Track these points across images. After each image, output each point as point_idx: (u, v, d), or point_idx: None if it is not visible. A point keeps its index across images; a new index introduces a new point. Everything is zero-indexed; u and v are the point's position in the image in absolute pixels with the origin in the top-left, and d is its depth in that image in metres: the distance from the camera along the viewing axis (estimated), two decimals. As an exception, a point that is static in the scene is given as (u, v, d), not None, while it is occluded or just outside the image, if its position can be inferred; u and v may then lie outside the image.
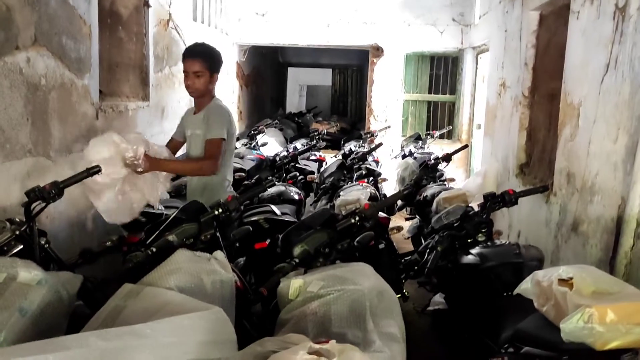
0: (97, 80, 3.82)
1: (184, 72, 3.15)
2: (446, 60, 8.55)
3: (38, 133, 3.12)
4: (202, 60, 3.12)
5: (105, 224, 3.04)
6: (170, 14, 5.45)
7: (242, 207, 2.50)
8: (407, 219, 5.79)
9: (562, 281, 1.64)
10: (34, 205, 2.28)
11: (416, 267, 3.39)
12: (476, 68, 7.93)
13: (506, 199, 2.81)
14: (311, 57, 13.74)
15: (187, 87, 3.16)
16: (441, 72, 8.60)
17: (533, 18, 4.74)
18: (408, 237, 5.02)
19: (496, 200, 2.82)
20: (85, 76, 3.65)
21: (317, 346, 1.33)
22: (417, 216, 4.97)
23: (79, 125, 3.59)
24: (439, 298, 3.19)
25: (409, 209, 5.88)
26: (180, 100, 5.98)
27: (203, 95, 3.21)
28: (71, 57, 3.45)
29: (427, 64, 8.60)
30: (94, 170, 2.35)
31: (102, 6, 4.02)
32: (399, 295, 3.30)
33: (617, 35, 2.97)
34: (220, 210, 2.45)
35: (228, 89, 8.49)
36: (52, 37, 3.22)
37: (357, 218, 2.42)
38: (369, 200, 3.61)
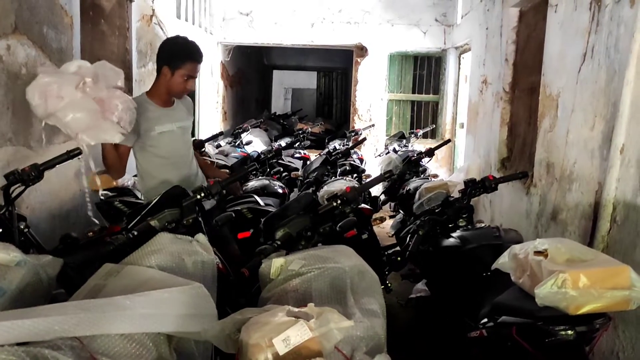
0: (79, 72, 3.80)
1: (185, 75, 2.85)
2: (429, 60, 8.62)
3: (19, 122, 3.10)
4: (201, 62, 2.96)
5: (85, 214, 3.00)
6: (153, 10, 5.44)
7: (224, 192, 2.50)
8: (391, 217, 5.82)
9: (538, 253, 1.66)
10: (13, 188, 2.26)
11: (399, 259, 3.40)
12: (459, 68, 8.01)
13: (486, 185, 2.85)
14: (296, 59, 13.79)
15: (183, 91, 2.92)
16: (424, 72, 8.67)
17: (513, 14, 4.81)
18: (392, 235, 5.05)
19: (477, 186, 2.85)
20: (67, 67, 3.63)
21: (295, 309, 1.34)
22: (401, 211, 5.00)
23: (61, 116, 3.57)
24: (421, 286, 3.21)
25: (392, 205, 5.92)
26: (163, 97, 5.96)
27: None
28: (52, 47, 3.43)
29: (410, 64, 8.67)
30: (75, 153, 2.34)
31: (84, -2, 4.01)
32: (382, 287, 3.32)
33: (593, 25, 3.03)
34: (202, 194, 2.45)
35: (212, 89, 8.48)
36: (32, 26, 3.20)
37: (338, 201, 2.43)
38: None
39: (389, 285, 3.47)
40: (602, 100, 2.89)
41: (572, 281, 1.45)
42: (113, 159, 2.80)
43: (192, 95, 7.61)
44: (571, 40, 3.34)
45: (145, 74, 5.31)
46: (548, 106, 3.70)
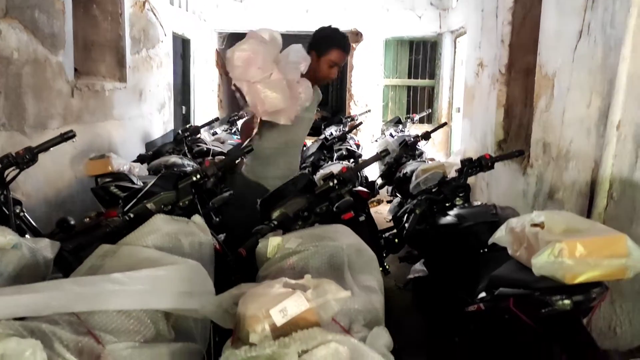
0: (71, 58, 3.78)
1: (331, 61, 2.90)
2: (425, 45, 8.60)
3: (12, 107, 3.08)
4: (348, 52, 3.00)
5: (84, 201, 3.01)
6: (146, -4, 5.40)
7: (219, 173, 2.49)
8: (388, 202, 5.83)
9: (535, 225, 1.67)
10: (7, 171, 2.25)
11: (396, 240, 3.40)
12: (455, 52, 7.99)
13: (483, 164, 2.84)
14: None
15: (326, 78, 2.96)
16: (420, 57, 8.65)
17: (509, -5, 4.79)
18: (390, 220, 5.05)
19: (473, 165, 2.85)
20: (60, 53, 3.60)
21: (292, 281, 1.34)
22: (398, 195, 5.00)
23: (54, 102, 3.55)
24: (419, 266, 3.21)
25: (389, 189, 5.92)
26: (158, 84, 5.94)
27: None
28: (44, 32, 3.40)
29: (406, 49, 8.64)
30: (68, 135, 2.33)
31: (75, -17, 3.98)
32: (380, 269, 3.32)
33: (589, 2, 3.02)
34: (198, 176, 2.44)
35: (207, 77, 8.44)
36: (24, 11, 3.17)
37: (335, 181, 2.43)
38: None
39: (387, 267, 3.49)
40: (598, 77, 2.89)
41: (568, 250, 1.46)
42: (250, 130, 2.94)
43: (187, 82, 7.59)
44: (567, 17, 3.32)
45: (139, 61, 5.28)
46: (544, 86, 3.69)
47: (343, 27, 8.21)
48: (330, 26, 3.06)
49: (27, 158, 2.23)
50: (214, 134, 6.98)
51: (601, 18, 2.87)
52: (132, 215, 2.34)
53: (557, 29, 3.50)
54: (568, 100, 3.30)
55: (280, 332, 1.22)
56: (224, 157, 4.94)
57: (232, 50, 2.58)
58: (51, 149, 2.31)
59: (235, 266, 2.43)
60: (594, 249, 1.46)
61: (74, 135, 2.35)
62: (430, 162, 5.29)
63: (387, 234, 3.81)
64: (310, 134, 8.58)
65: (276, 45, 2.68)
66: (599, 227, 1.61)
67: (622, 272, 1.47)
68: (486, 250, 2.27)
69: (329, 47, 2.89)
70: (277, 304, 1.23)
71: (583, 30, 3.08)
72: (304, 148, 6.81)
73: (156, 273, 1.63)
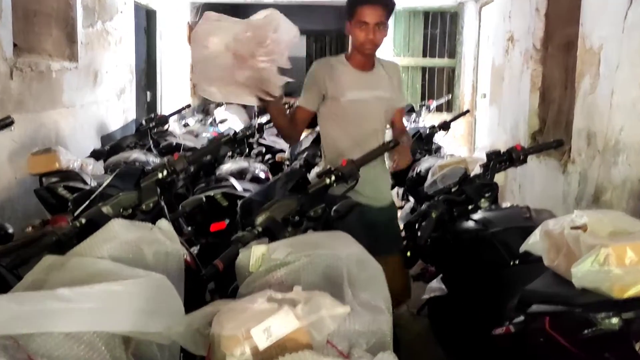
0: (9, 31, 3.78)
1: (359, 22, 2.89)
2: (443, 16, 8.63)
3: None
4: (384, 7, 2.91)
5: (26, 205, 3.01)
6: (102, -44, 5.42)
7: (191, 169, 2.50)
8: (400, 208, 5.83)
9: (576, 227, 1.67)
10: None
11: (409, 253, 3.40)
12: (479, 25, 8.03)
13: (513, 157, 2.85)
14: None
15: (364, 44, 2.93)
16: (437, 31, 8.69)
17: (544, -46, 4.82)
18: (402, 229, 5.05)
19: (502, 159, 2.86)
20: (-6, 24, 3.61)
21: (279, 295, 1.34)
22: (411, 198, 5.01)
23: (-12, 84, 3.55)
24: (436, 284, 3.21)
25: (400, 192, 5.93)
26: (117, 65, 5.94)
27: (374, 52, 3.03)
28: (-26, -2, 3.41)
29: (420, 22, 8.68)
30: (5, 123, 2.33)
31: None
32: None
33: (641, -40, 3.04)
34: (164, 172, 2.44)
35: (178, 56, 8.46)
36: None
37: (332, 178, 2.43)
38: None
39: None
40: (653, 51, 2.91)
41: (616, 257, 1.46)
42: (283, 121, 3.02)
43: (152, 62, 7.59)
44: (615, -21, 3.35)
45: (93, 36, 5.29)
46: (588, 63, 3.72)
47: (343, -5, 8.28)
48: None
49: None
50: (186, 125, 7.00)
51: (656, -21, 2.89)
52: (83, 221, 2.34)
53: (603, -7, 3.52)
54: (617, 79, 3.33)
55: (264, 356, 1.22)
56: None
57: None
58: (-16, 140, 2.32)
59: (209, 281, 2.43)
60: (647, 256, 1.46)
61: (11, 123, 2.35)
62: (449, 158, 5.30)
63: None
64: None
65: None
66: (655, 229, 1.61)
67: (682, 284, 1.47)
68: (518, 261, 2.28)
69: (353, 5, 2.91)
70: (260, 322, 1.23)
71: (635, -6, 3.11)
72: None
73: (112, 288, 1.63)
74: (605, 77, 3.45)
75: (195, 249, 3.44)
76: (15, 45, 3.90)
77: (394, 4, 3.01)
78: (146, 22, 7.49)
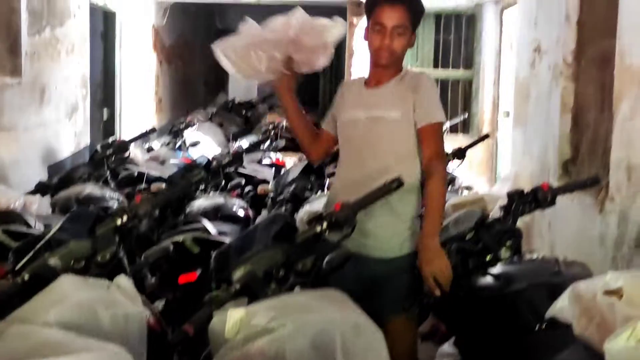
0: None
1: (376, 24, 2.91)
2: (458, 20, 8.75)
3: None
4: (408, 9, 2.89)
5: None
6: (52, -49, 5.49)
7: (156, 212, 2.53)
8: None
9: (610, 292, 1.71)
10: None
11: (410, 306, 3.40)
12: (501, 31, 8.12)
13: (539, 198, 2.88)
14: (264, 20, 13.84)
15: (378, 50, 2.93)
16: (451, 37, 8.80)
17: (575, -48, 4.92)
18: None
19: (525, 200, 2.89)
20: None
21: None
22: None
23: None
24: (448, 347, 3.25)
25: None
26: (68, 79, 5.99)
27: (393, 64, 2.99)
28: None
29: (431, 26, 8.79)
30: None
31: None
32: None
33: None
34: (125, 217, 2.47)
35: (140, 66, 8.52)
36: None
37: (324, 225, 2.47)
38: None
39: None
40: (702, 72, 2.98)
41: (656, 332, 1.49)
42: (300, 124, 3.25)
43: (110, 74, 7.63)
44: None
45: (40, 45, 5.34)
46: (627, 82, 3.78)
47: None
48: None
49: None
50: (149, 149, 7.03)
51: None
52: (26, 277, 2.36)
53: (643, 2, 3.61)
54: (661, 104, 3.39)
55: None
56: (164, 187, 4.97)
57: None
58: None
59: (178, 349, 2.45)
60: (692, 330, 1.50)
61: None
62: (465, 192, 5.35)
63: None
64: (289, 149, 8.66)
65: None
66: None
67: None
68: (544, 326, 2.30)
69: (372, 5, 2.94)
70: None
71: (680, 5, 3.18)
72: (282, 171, 6.88)
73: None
74: (648, 100, 3.52)
75: (160, 304, 3.46)
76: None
77: (421, 7, 3.02)
78: (103, 26, 7.55)
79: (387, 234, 2.91)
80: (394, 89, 2.96)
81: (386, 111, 2.94)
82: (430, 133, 2.91)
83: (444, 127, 7.00)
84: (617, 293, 1.69)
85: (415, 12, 2.95)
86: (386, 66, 2.97)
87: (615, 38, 4.02)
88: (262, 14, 12.49)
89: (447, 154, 5.54)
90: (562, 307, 1.91)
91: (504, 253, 2.82)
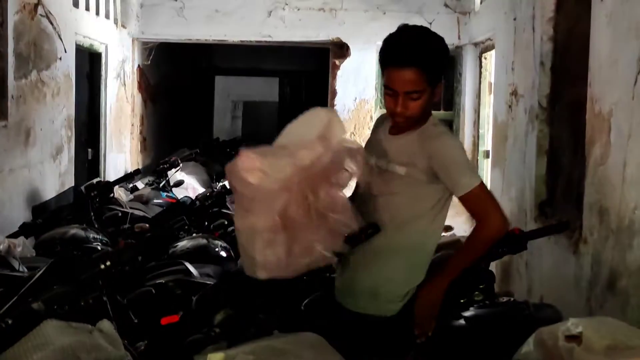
0: None
1: (387, 87, 2.67)
2: (438, 62, 8.87)
3: None
4: (422, 70, 2.58)
5: None
6: (40, -4, 5.59)
7: (139, 258, 2.60)
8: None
9: (570, 338, 1.79)
10: None
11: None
12: (480, 72, 8.27)
13: (511, 242, 2.97)
14: (248, 60, 13.94)
15: (393, 115, 2.73)
16: (432, 78, 8.91)
17: (548, 1, 5.06)
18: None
19: (498, 245, 2.97)
20: None
21: None
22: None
23: None
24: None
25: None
26: (54, 120, 6.05)
27: (415, 122, 2.73)
28: None
29: (411, 68, 8.91)
30: None
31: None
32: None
33: (651, 20, 3.26)
34: (108, 262, 2.53)
35: (124, 105, 8.59)
36: None
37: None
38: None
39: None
40: (666, 122, 3.09)
41: (613, 378, 1.57)
42: None
43: (95, 114, 7.71)
44: (624, 39, 3.55)
45: (26, 88, 5.41)
46: (598, 128, 3.88)
47: (321, 36, 8.55)
48: (401, 26, 2.75)
49: None
50: (134, 189, 7.07)
51: (667, 43, 3.10)
52: (10, 321, 2.41)
53: (611, 52, 3.73)
54: (630, 150, 3.48)
55: None
56: (147, 227, 5.02)
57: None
58: None
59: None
60: (647, 375, 1.58)
61: None
62: (444, 233, 5.42)
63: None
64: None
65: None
66: (654, 342, 1.73)
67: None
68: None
69: (382, 65, 2.73)
70: None
71: (645, 57, 3.31)
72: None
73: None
74: (617, 146, 3.61)
75: (142, 344, 3.49)
76: None
77: (438, 59, 2.66)
78: (90, 65, 7.63)
79: (361, 284, 2.77)
80: (410, 143, 2.71)
81: (391, 164, 2.71)
82: (466, 201, 2.69)
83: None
84: (577, 339, 1.77)
85: (432, 69, 2.62)
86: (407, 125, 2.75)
87: (587, 85, 4.14)
88: (247, 51, 12.58)
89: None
90: (527, 351, 1.99)
91: (477, 296, 2.90)
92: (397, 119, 2.72)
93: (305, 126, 2.58)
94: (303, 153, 2.43)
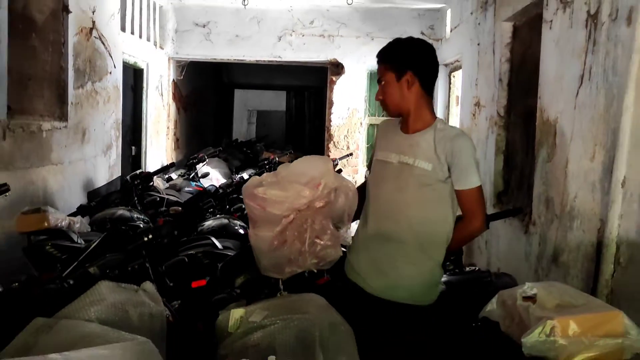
0: (5, 95, 3.88)
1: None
2: (415, 79, 8.87)
3: None
4: (385, 62, 2.53)
5: (9, 260, 3.02)
6: (93, 22, 5.56)
7: (175, 233, 2.59)
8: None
9: (527, 298, 1.79)
10: None
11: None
12: (449, 88, 8.28)
13: (475, 223, 2.97)
14: (261, 77, 13.99)
15: (378, 100, 2.64)
16: (409, 92, 8.91)
17: (506, 29, 5.07)
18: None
19: (463, 224, 2.97)
20: (-9, 90, 3.71)
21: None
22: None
23: (-18, 146, 3.63)
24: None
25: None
26: (104, 122, 6.04)
27: (405, 112, 2.53)
28: (-26, 65, 3.52)
29: (392, 83, 8.91)
30: (1, 190, 2.40)
31: (12, 10, 4.11)
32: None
33: (590, 45, 3.25)
34: (150, 236, 2.52)
35: (162, 112, 8.59)
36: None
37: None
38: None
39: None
40: (601, 127, 3.09)
41: (561, 328, 1.57)
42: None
43: (138, 118, 7.71)
44: (568, 60, 3.56)
45: (83, 96, 5.39)
46: (545, 133, 3.89)
47: (321, 57, 8.54)
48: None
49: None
50: (169, 179, 7.05)
51: (602, 63, 3.09)
52: (71, 282, 2.41)
53: (557, 71, 3.73)
54: (571, 150, 3.49)
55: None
56: (180, 209, 5.01)
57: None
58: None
59: (192, 342, 2.49)
60: (588, 327, 1.58)
61: (7, 190, 2.43)
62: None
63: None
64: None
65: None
66: (595, 303, 1.74)
67: (619, 353, 1.58)
68: (478, 323, 2.38)
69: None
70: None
71: (584, 75, 3.30)
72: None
73: (99, 353, 1.70)
74: (561, 147, 3.62)
75: (176, 303, 3.49)
76: (9, 107, 4.00)
77: (395, 54, 2.52)
78: (133, 79, 7.63)
79: (384, 267, 2.53)
80: (428, 140, 2.48)
81: (417, 160, 2.47)
82: (466, 196, 2.44)
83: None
84: (532, 299, 1.77)
85: (394, 61, 2.51)
86: (397, 115, 2.59)
87: (536, 98, 4.14)
88: (261, 69, 12.48)
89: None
90: (491, 309, 1.99)
91: (449, 266, 2.90)
92: (381, 105, 2.61)
93: (306, 167, 2.47)
94: (305, 192, 2.35)
